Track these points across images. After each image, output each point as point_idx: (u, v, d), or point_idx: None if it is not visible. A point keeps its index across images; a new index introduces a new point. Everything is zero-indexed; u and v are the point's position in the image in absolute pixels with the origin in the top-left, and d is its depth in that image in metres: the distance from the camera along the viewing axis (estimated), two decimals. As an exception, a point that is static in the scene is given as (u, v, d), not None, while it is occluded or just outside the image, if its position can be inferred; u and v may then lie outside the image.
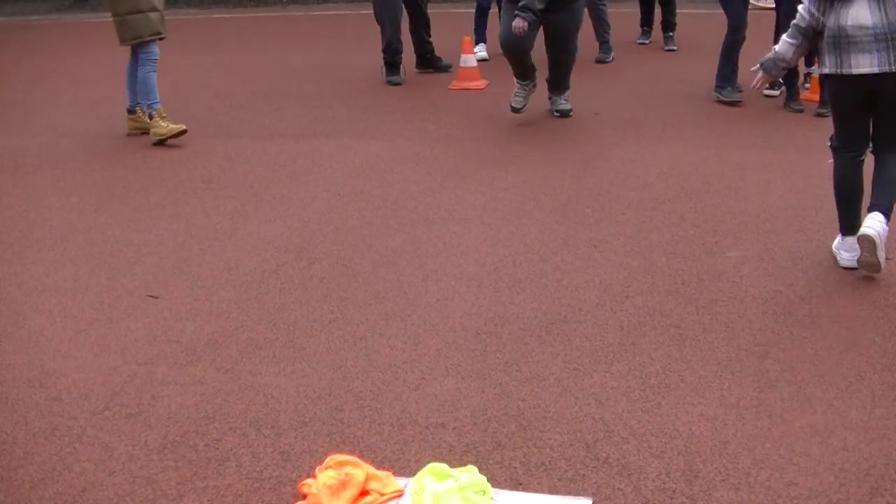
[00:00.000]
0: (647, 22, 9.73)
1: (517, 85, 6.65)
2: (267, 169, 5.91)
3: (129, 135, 6.71)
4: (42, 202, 5.41)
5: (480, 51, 8.80)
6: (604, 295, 4.01)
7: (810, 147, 6.00)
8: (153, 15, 6.32)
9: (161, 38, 6.43)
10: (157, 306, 4.02)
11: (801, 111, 6.83)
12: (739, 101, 7.07)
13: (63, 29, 12.39)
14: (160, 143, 6.41)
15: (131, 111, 6.68)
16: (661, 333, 3.66)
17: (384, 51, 8.10)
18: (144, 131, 6.61)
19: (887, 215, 4.10)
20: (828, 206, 4.80)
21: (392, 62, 8.10)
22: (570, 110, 6.88)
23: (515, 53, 6.38)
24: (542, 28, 6.38)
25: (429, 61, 8.51)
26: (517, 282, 4.16)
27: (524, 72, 6.54)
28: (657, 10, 9.49)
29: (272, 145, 6.41)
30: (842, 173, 4.25)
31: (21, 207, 5.34)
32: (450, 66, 8.41)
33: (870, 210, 4.11)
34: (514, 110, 6.67)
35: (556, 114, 6.89)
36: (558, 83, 6.83)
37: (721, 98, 7.13)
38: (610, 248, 4.51)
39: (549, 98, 6.94)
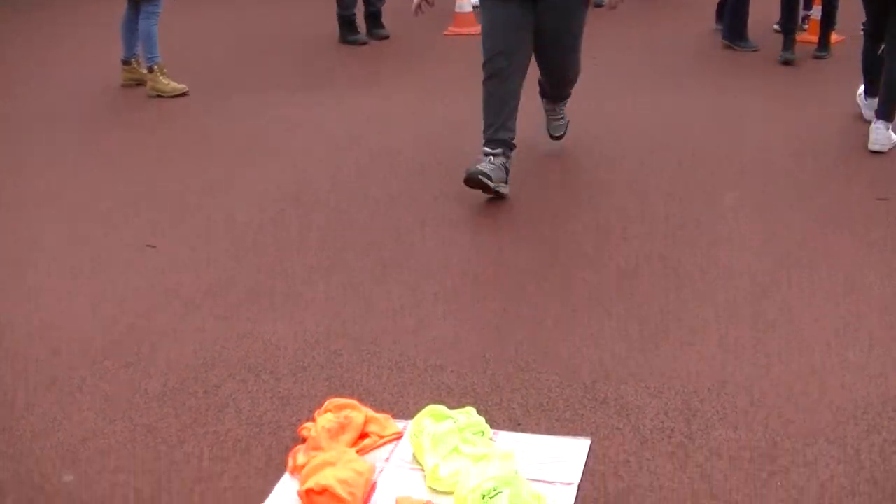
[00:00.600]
0: None
1: (483, 154, 4.36)
2: (263, 121, 5.87)
3: (123, 86, 6.64)
4: (39, 157, 5.38)
5: None
6: (602, 238, 4.00)
7: (810, 94, 5.97)
8: None
9: None
10: (154, 257, 4.01)
11: (793, 63, 6.72)
12: (758, 48, 7.07)
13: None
14: (157, 96, 6.37)
15: (126, 62, 6.62)
16: (659, 276, 3.66)
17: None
18: (139, 83, 6.55)
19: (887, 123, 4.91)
20: (827, 151, 4.79)
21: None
22: (564, 134, 5.01)
23: (499, 73, 4.27)
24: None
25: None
26: (515, 227, 4.15)
27: (499, 126, 4.31)
28: None
29: (268, 97, 6.35)
30: (868, 52, 5.13)
31: (17, 162, 5.31)
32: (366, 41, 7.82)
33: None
34: (479, 184, 4.25)
35: (551, 137, 5.01)
36: (556, 93, 4.87)
37: (736, 48, 7.10)
38: (607, 192, 4.49)
39: (543, 103, 4.97)
